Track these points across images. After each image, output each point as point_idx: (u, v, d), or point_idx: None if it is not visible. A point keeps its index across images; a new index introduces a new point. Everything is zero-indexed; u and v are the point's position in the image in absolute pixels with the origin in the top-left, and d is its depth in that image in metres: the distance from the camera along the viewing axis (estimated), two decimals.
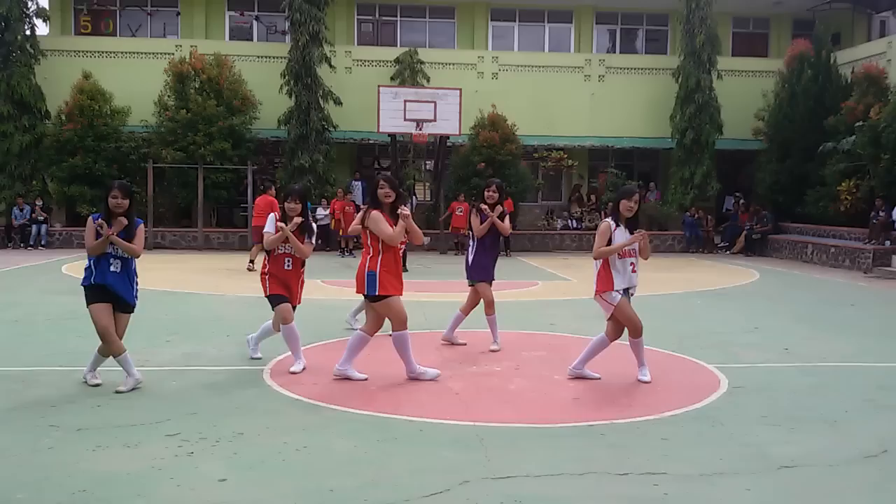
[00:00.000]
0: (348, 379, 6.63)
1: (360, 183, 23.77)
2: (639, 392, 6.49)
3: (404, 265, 16.57)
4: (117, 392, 6.12)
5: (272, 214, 7.15)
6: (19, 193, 22.49)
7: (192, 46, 24.36)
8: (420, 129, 21.87)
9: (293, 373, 6.92)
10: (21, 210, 22.04)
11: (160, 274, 15.26)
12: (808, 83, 22.88)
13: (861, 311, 11.95)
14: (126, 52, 25.06)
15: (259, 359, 7.43)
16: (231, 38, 26.65)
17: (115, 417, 5.50)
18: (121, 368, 6.24)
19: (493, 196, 8.13)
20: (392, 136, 22.71)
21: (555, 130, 25.71)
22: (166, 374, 6.85)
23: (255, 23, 27.05)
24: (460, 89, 22.39)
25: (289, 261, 7.05)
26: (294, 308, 7.16)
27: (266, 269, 7.08)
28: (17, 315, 9.92)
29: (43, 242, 21.69)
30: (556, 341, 8.71)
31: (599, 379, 6.78)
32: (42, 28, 24.70)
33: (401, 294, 6.60)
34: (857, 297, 13.69)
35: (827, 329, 9.99)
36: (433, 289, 13.11)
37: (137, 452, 4.78)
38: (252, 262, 15.92)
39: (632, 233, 6.60)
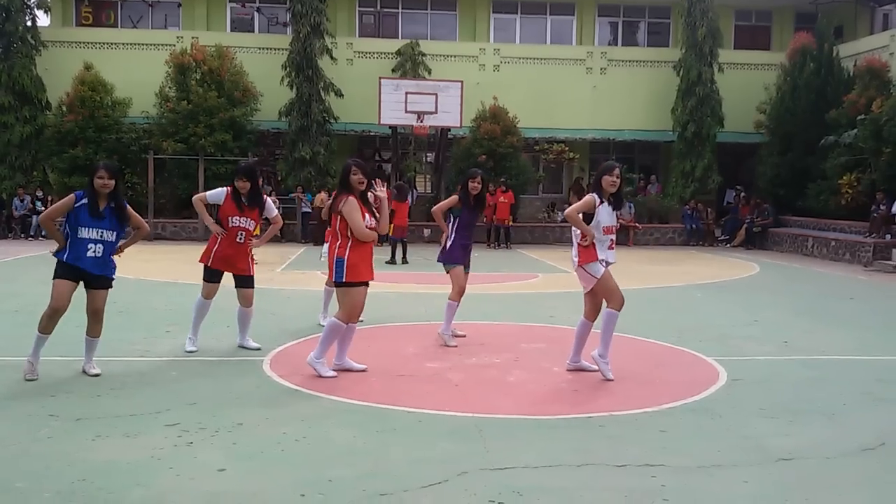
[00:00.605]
0: (347, 370, 6.63)
1: None
2: (637, 384, 6.49)
3: (404, 258, 16.97)
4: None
5: (224, 189, 7.29)
6: (20, 184, 22.54)
7: (193, 38, 24.35)
8: (421, 121, 21.87)
9: (189, 351, 7.28)
10: (22, 201, 22.06)
11: (160, 265, 15.28)
12: (810, 76, 22.83)
13: (861, 305, 11.94)
14: (127, 44, 25.08)
15: (258, 349, 7.44)
16: (232, 30, 26.63)
17: (115, 407, 5.51)
18: (118, 360, 6.23)
19: (477, 187, 8.01)
20: (393, 128, 22.69)
21: (556, 123, 25.70)
22: (166, 365, 6.86)
23: (256, 14, 26.99)
24: (462, 81, 22.38)
25: (242, 234, 7.20)
26: (252, 278, 7.35)
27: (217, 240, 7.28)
28: (16, 305, 9.93)
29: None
30: (555, 333, 8.70)
31: (598, 371, 6.77)
32: (43, 19, 24.78)
33: (367, 283, 6.43)
34: (856, 290, 13.69)
35: (826, 322, 9.99)
36: (433, 280, 13.09)
37: (137, 442, 4.79)
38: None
39: (616, 209, 6.53)
